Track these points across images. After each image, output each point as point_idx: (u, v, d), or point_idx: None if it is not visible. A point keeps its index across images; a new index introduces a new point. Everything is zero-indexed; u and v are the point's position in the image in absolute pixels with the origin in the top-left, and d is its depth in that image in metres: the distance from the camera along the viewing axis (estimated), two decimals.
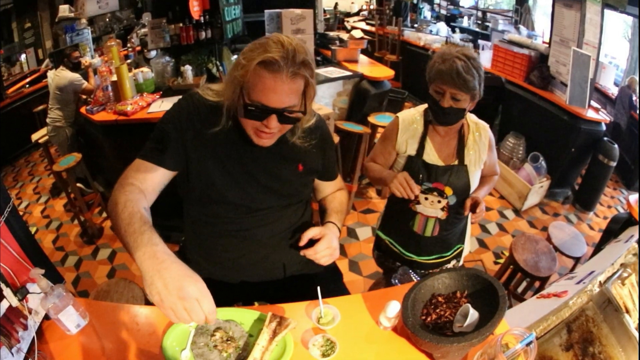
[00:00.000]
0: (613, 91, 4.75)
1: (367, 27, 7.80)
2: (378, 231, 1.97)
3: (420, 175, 1.62)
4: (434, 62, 1.52)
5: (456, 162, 1.64)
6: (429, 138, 1.65)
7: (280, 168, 1.26)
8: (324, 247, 1.19)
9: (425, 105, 1.67)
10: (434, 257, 1.84)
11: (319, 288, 1.15)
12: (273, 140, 1.17)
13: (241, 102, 1.08)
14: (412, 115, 1.69)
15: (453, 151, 1.66)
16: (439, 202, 1.65)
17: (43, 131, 3.89)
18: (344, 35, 4.95)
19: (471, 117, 1.68)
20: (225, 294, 1.26)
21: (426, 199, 1.66)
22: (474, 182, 1.67)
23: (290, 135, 1.24)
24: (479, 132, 1.66)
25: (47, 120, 3.77)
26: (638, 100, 4.36)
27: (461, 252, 1.90)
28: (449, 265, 1.89)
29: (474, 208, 1.59)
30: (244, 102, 1.07)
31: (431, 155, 1.64)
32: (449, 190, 1.63)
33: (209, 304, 0.84)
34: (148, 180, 1.11)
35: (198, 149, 1.17)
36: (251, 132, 1.13)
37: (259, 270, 1.35)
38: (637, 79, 4.34)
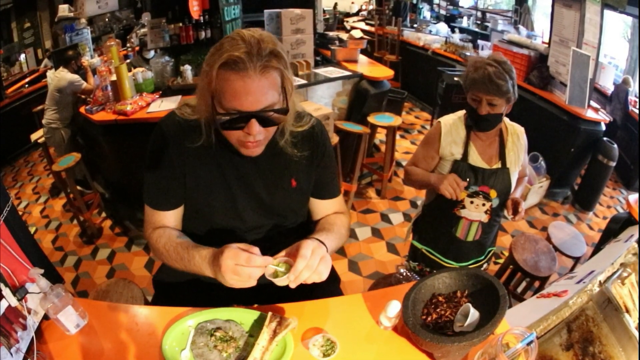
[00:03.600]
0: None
1: (367, 27, 7.80)
2: (414, 241, 2.00)
3: (467, 179, 1.64)
4: (467, 72, 1.59)
5: (500, 165, 1.68)
6: (472, 142, 1.68)
7: (271, 187, 1.17)
8: (301, 265, 0.94)
9: (464, 112, 1.72)
10: (471, 262, 1.88)
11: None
12: (262, 148, 1.06)
13: (214, 114, 0.98)
14: (453, 120, 1.71)
15: (495, 153, 1.70)
16: (484, 205, 1.69)
17: (42, 131, 3.89)
18: (344, 35, 4.95)
19: (507, 121, 1.72)
20: (223, 295, 1.25)
21: (471, 202, 1.69)
22: (514, 183, 1.72)
23: (280, 137, 1.12)
24: (516, 134, 1.71)
25: (43, 121, 3.76)
26: (638, 100, 4.36)
27: (493, 254, 1.95)
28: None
29: (516, 208, 1.63)
30: (218, 113, 0.97)
31: (476, 159, 1.68)
32: (493, 193, 1.67)
33: (242, 257, 0.91)
34: (166, 222, 1.18)
35: (184, 173, 1.13)
36: (236, 144, 1.04)
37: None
38: (637, 78, 4.34)
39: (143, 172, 1.16)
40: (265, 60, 0.92)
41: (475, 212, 1.71)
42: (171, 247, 1.08)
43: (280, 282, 0.97)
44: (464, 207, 1.71)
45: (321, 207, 1.30)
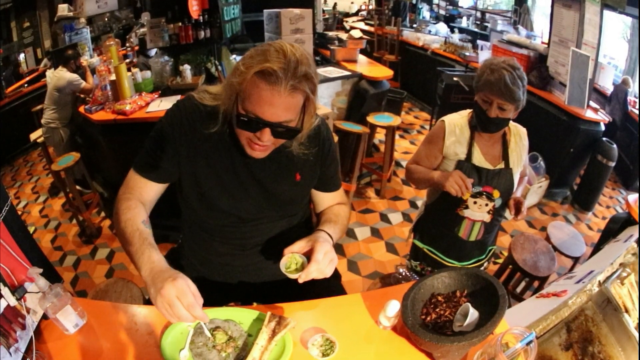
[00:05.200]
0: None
1: (366, 27, 7.80)
2: (415, 241, 2.00)
3: (472, 179, 1.64)
4: (482, 72, 1.59)
5: (503, 165, 1.69)
6: (475, 142, 1.68)
7: (276, 179, 1.22)
8: (313, 268, 1.06)
9: (468, 111, 1.72)
10: (473, 261, 1.89)
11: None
12: (266, 153, 1.12)
13: (235, 110, 1.04)
14: (457, 120, 1.72)
15: (498, 154, 1.71)
16: (486, 205, 1.69)
17: (41, 131, 3.88)
18: (343, 35, 4.95)
19: (510, 121, 1.72)
20: (222, 294, 1.26)
21: (475, 202, 1.69)
22: (516, 183, 1.73)
23: (289, 143, 1.18)
24: (519, 134, 1.73)
25: (42, 121, 3.76)
26: (637, 101, 4.36)
27: (493, 253, 1.96)
28: (482, 268, 1.92)
29: (518, 208, 1.63)
30: (238, 112, 1.03)
31: (480, 159, 1.68)
32: (496, 193, 1.67)
33: (188, 300, 0.89)
34: (144, 194, 1.18)
35: (191, 158, 1.16)
36: (244, 142, 1.10)
37: (253, 275, 1.35)
38: (637, 79, 4.35)
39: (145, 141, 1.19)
40: (297, 81, 0.98)
41: (478, 212, 1.71)
42: (131, 227, 1.06)
43: (291, 276, 1.08)
44: (467, 207, 1.71)
45: (325, 200, 1.38)
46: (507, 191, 1.69)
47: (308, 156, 1.22)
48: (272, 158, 1.18)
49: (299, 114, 1.06)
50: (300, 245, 1.12)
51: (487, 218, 1.73)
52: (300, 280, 1.06)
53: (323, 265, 1.06)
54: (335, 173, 1.35)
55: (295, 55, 0.98)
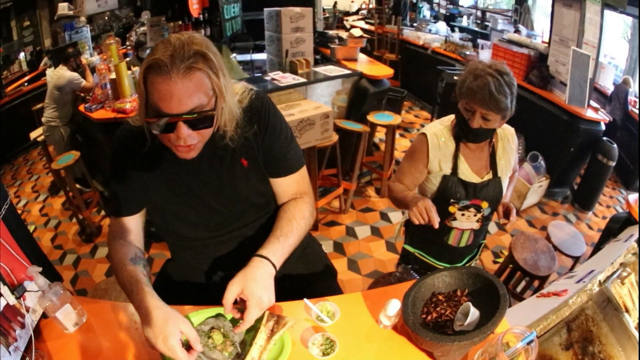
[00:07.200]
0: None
1: (367, 26, 7.79)
2: (405, 245, 1.94)
3: (458, 194, 1.58)
4: (465, 78, 1.45)
5: (491, 176, 1.60)
6: (461, 154, 1.58)
7: (224, 172, 1.13)
8: (252, 315, 0.98)
9: (451, 118, 1.61)
10: (465, 260, 1.86)
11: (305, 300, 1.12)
12: (197, 151, 1.04)
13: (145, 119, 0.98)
14: (439, 131, 1.59)
15: (485, 163, 1.61)
16: (475, 215, 1.64)
17: (41, 129, 3.89)
18: (343, 34, 4.94)
19: None
20: (219, 295, 1.24)
21: (463, 215, 1.63)
22: (505, 189, 1.65)
23: (220, 139, 1.08)
24: (506, 137, 1.63)
25: (42, 119, 3.77)
26: (638, 101, 4.36)
27: (483, 246, 1.92)
28: (474, 263, 1.91)
29: (507, 215, 1.57)
30: (147, 117, 0.96)
31: (466, 172, 1.59)
32: (485, 204, 1.60)
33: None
34: (126, 231, 1.17)
35: (143, 181, 1.13)
36: (171, 147, 1.02)
37: None
38: (637, 78, 4.34)
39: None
40: (190, 61, 0.91)
41: (466, 222, 1.66)
42: (121, 270, 1.06)
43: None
44: (455, 219, 1.65)
45: (280, 187, 1.21)
46: (496, 199, 1.62)
47: (248, 137, 1.11)
48: (214, 153, 1.11)
49: (210, 97, 0.96)
50: (233, 293, 0.99)
51: (476, 226, 1.68)
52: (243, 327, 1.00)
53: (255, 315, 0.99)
54: (284, 153, 1.17)
55: (180, 39, 0.92)
